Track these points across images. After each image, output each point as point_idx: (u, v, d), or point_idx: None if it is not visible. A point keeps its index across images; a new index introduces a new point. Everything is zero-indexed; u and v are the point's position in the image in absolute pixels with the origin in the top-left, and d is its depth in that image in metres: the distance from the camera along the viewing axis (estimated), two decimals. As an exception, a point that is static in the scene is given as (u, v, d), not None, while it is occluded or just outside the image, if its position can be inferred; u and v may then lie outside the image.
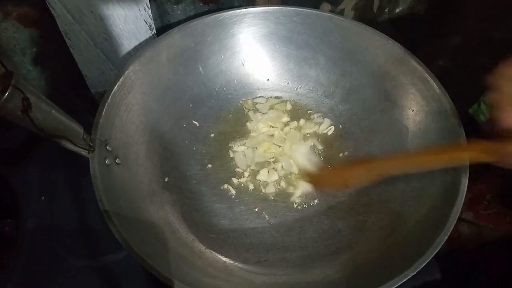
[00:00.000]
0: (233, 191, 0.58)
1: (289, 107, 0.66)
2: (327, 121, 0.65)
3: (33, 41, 0.63)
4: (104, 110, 0.51)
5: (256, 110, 0.66)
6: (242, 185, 0.59)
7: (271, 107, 0.66)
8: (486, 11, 0.68)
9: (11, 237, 0.54)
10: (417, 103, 0.57)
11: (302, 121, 0.65)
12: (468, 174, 0.47)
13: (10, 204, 0.57)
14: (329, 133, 0.64)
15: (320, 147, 0.63)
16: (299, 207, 0.57)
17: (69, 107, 0.47)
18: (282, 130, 0.64)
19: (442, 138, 0.53)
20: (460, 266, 0.65)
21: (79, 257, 0.54)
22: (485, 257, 0.61)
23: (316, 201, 0.58)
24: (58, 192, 0.60)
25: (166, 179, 0.57)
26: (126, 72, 0.54)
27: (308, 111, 0.66)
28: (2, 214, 0.56)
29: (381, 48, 0.60)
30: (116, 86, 0.53)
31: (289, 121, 0.65)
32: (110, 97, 0.52)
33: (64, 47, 0.60)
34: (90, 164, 0.46)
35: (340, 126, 0.64)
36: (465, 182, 0.47)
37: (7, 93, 0.37)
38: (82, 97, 0.71)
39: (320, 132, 0.64)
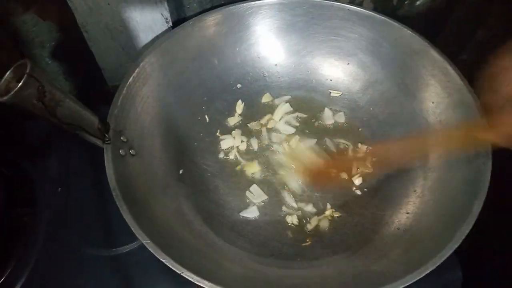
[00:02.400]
0: (248, 185, 0.58)
1: (305, 100, 0.65)
2: (341, 115, 0.63)
3: (51, 35, 0.64)
4: (120, 101, 0.51)
5: (272, 105, 0.65)
6: (257, 178, 0.58)
7: (287, 101, 0.65)
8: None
9: (28, 226, 0.55)
10: (437, 95, 0.55)
11: (318, 115, 0.64)
12: (491, 166, 0.46)
13: (28, 194, 0.57)
14: (346, 126, 0.63)
15: (336, 141, 0.61)
16: (315, 201, 0.56)
17: (87, 101, 0.48)
18: (298, 124, 0.63)
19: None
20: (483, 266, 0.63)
21: (93, 248, 0.54)
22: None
23: (332, 195, 0.56)
24: (74, 183, 0.60)
25: (181, 171, 0.57)
26: (142, 64, 0.55)
27: (325, 105, 0.65)
28: (21, 203, 0.57)
29: (400, 39, 0.59)
30: (132, 77, 0.53)
31: (305, 116, 0.64)
32: (126, 88, 0.52)
33: (82, 40, 0.61)
34: (105, 154, 0.47)
35: (357, 120, 0.63)
36: (488, 174, 0.45)
37: (22, 81, 0.37)
38: (100, 91, 0.72)
39: (337, 126, 0.63)
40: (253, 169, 0.59)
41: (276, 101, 0.65)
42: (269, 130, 0.63)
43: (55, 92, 0.42)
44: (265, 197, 0.56)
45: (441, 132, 0.54)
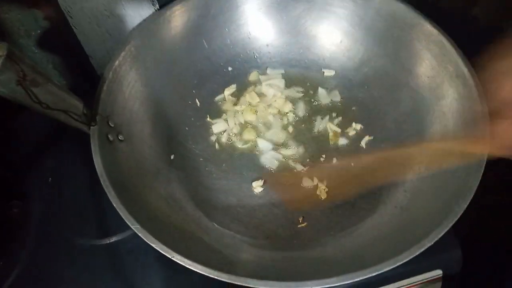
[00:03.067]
0: (241, 168, 0.57)
1: (298, 79, 0.64)
2: (336, 94, 0.62)
3: (37, 23, 0.62)
4: (106, 85, 0.50)
5: (263, 84, 0.63)
6: (250, 160, 0.57)
7: (280, 80, 0.63)
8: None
9: (19, 218, 0.54)
10: (433, 69, 0.54)
11: (312, 93, 0.62)
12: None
13: (17, 186, 0.56)
14: (341, 105, 0.61)
15: (332, 120, 0.60)
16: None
17: (75, 90, 0.46)
18: (292, 103, 0.62)
19: (460, 105, 0.50)
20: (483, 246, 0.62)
21: (86, 238, 0.54)
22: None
23: (328, 176, 0.55)
24: (65, 174, 0.59)
25: (172, 157, 0.56)
26: (127, 47, 0.53)
27: (319, 84, 0.63)
28: (10, 196, 0.56)
29: (394, 13, 0.57)
30: (117, 61, 0.52)
31: (301, 92, 0.63)
32: (111, 72, 0.51)
33: (69, 28, 0.59)
34: (91, 139, 0.46)
35: (352, 98, 0.61)
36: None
37: (-1, 63, 0.36)
38: (89, 80, 0.71)
39: (331, 104, 0.61)
40: (252, 136, 0.58)
41: (267, 81, 0.63)
42: (261, 110, 0.61)
43: (36, 75, 0.40)
44: (260, 179, 0.55)
45: (432, 146, 0.52)
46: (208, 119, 0.61)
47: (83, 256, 0.52)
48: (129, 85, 0.53)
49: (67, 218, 0.55)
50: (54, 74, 0.69)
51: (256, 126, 0.60)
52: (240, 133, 0.59)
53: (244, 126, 0.60)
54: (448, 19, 0.55)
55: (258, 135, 0.59)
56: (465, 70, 0.49)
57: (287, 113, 0.61)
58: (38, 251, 0.53)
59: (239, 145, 0.58)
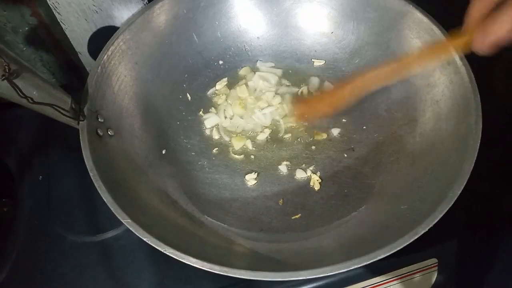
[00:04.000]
0: (234, 162, 0.56)
1: (289, 72, 0.63)
2: (328, 84, 0.61)
3: (24, 19, 0.61)
4: (94, 80, 0.49)
5: (254, 78, 0.62)
6: (243, 154, 0.57)
7: (272, 75, 0.63)
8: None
9: (9, 217, 0.53)
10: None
11: (303, 86, 0.62)
12: (481, 128, 0.44)
13: (7, 184, 0.56)
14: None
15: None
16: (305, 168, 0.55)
17: (65, 86, 0.46)
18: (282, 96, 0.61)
19: (452, 93, 0.50)
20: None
21: (77, 235, 0.53)
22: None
23: (321, 166, 0.55)
24: (56, 171, 0.58)
25: (164, 151, 0.55)
26: (116, 41, 0.53)
27: (309, 76, 0.63)
28: (0, 194, 0.55)
29: (384, 3, 0.57)
30: (106, 56, 0.51)
31: (292, 85, 0.62)
32: (100, 67, 0.50)
33: (57, 24, 0.59)
34: (80, 134, 0.45)
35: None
36: (477, 136, 0.44)
37: (-19, 57, 0.35)
38: (79, 76, 0.70)
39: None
40: (241, 143, 0.57)
41: (258, 73, 0.63)
42: (250, 102, 0.61)
43: (22, 70, 0.40)
44: (253, 172, 0.55)
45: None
46: (200, 113, 0.60)
47: (75, 253, 0.52)
48: (119, 79, 0.52)
49: (58, 215, 0.54)
50: (43, 71, 0.68)
51: (245, 121, 0.60)
52: (230, 135, 0.59)
53: (232, 132, 0.59)
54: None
55: (248, 135, 0.58)
56: (456, 57, 0.49)
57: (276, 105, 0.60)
58: (29, 249, 0.52)
59: (232, 154, 0.57)
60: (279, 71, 0.63)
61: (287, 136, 0.58)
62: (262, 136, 0.58)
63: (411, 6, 0.54)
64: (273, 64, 0.64)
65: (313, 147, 0.57)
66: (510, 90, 0.63)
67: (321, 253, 0.45)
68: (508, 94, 0.64)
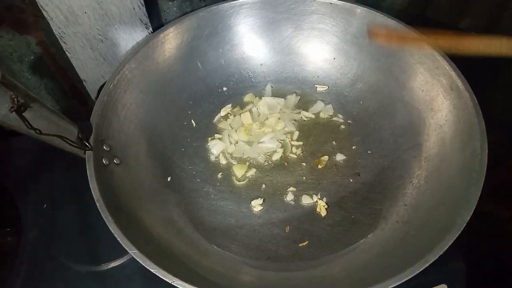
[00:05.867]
0: (239, 188, 0.56)
1: (294, 98, 0.64)
2: (329, 107, 0.62)
3: (30, 48, 0.62)
4: (100, 109, 0.49)
5: (259, 104, 0.63)
6: (249, 180, 0.57)
7: (273, 99, 0.63)
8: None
9: (12, 246, 0.53)
10: (427, 83, 0.54)
11: (305, 112, 0.62)
12: (487, 153, 0.44)
13: (11, 213, 0.55)
14: (336, 121, 0.61)
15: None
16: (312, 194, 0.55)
17: (69, 114, 0.46)
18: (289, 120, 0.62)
19: (456, 117, 0.50)
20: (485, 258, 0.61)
21: (82, 264, 0.52)
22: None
23: (327, 193, 0.55)
24: (60, 200, 0.58)
25: (169, 179, 0.55)
26: (121, 70, 0.53)
27: (312, 101, 0.63)
28: (3, 224, 0.54)
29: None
30: (112, 84, 0.52)
31: (298, 112, 0.63)
32: (106, 96, 0.51)
33: (62, 53, 0.59)
34: (87, 164, 0.45)
35: (347, 114, 0.62)
36: (484, 162, 0.44)
37: (-8, 90, 0.36)
38: (83, 104, 0.71)
39: (327, 122, 0.61)
40: (243, 170, 0.57)
41: (263, 100, 0.64)
42: (256, 130, 0.61)
43: (30, 102, 0.40)
44: (259, 199, 0.54)
45: None
46: (204, 139, 0.60)
47: (80, 283, 0.51)
48: (124, 108, 0.53)
49: (62, 244, 0.54)
50: (47, 99, 0.69)
51: (251, 147, 0.60)
52: (235, 159, 0.59)
53: (237, 158, 0.59)
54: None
55: (249, 162, 0.59)
56: (459, 82, 0.49)
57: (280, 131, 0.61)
58: (33, 278, 0.51)
59: (236, 181, 0.57)
60: (282, 97, 0.64)
61: (292, 161, 0.58)
62: (276, 156, 0.58)
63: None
64: (277, 90, 0.64)
65: (318, 173, 0.57)
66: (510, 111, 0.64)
67: (329, 282, 0.45)
68: (508, 115, 0.64)
